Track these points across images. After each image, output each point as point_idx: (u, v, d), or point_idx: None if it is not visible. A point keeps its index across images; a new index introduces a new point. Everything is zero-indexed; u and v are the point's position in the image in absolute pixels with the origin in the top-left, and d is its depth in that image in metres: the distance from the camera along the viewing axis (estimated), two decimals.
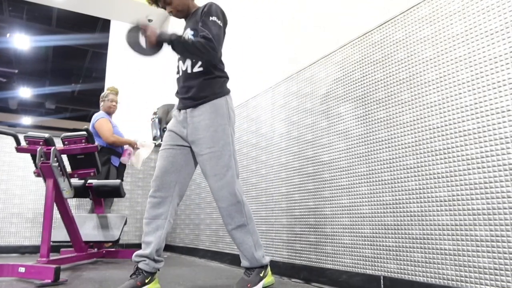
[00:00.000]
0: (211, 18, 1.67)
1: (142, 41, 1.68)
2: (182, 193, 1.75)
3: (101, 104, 3.63)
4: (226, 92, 1.77)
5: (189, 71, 1.75)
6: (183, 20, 1.93)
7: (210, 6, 1.73)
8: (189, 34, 1.76)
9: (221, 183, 1.67)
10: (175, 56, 1.82)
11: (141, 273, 1.61)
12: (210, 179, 1.69)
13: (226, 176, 1.67)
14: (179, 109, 1.79)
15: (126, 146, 3.54)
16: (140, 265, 1.62)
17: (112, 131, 3.46)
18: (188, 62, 1.76)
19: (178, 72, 1.81)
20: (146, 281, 1.61)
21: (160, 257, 1.67)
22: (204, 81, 1.72)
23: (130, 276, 1.62)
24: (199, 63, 1.73)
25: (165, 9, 1.87)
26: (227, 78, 1.81)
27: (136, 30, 1.68)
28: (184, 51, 1.65)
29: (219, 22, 1.68)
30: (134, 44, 1.65)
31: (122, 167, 3.59)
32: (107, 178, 3.37)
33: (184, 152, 1.76)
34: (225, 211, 1.68)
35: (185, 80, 1.76)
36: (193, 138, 1.71)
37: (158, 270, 1.68)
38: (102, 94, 3.67)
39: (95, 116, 3.51)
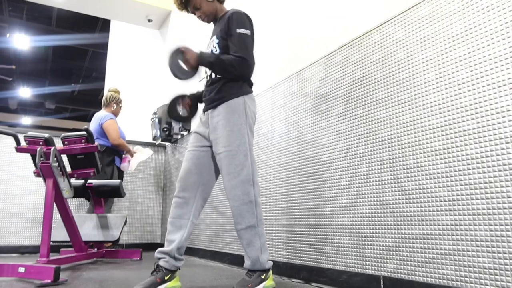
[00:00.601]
0: (238, 31, 1.72)
1: (182, 64, 1.82)
2: (207, 195, 1.80)
3: (113, 107, 3.63)
4: (245, 92, 1.79)
5: (213, 76, 1.81)
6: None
7: (234, 16, 1.76)
8: (214, 42, 1.81)
9: (234, 182, 1.69)
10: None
11: (161, 270, 1.66)
12: (224, 178, 1.72)
13: (240, 175, 1.69)
14: (203, 111, 1.87)
15: (125, 154, 3.57)
16: (161, 263, 1.67)
17: (119, 133, 3.49)
18: None
19: (206, 77, 1.88)
20: (166, 278, 1.65)
21: (181, 256, 1.71)
22: (225, 83, 1.77)
23: (151, 273, 1.66)
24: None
25: (194, 14, 1.92)
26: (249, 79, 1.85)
27: (176, 54, 1.80)
28: (223, 71, 1.74)
29: (247, 32, 1.74)
30: (175, 68, 1.75)
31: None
32: (112, 178, 3.39)
33: (208, 154, 1.81)
34: (236, 210, 1.70)
35: (210, 84, 1.83)
36: (212, 137, 1.77)
37: (179, 268, 1.72)
38: (116, 97, 3.66)
39: (104, 116, 3.50)
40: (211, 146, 1.80)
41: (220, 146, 1.72)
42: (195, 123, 1.90)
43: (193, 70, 1.76)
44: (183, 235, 1.70)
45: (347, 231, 1.84)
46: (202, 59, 1.72)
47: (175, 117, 2.00)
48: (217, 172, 1.83)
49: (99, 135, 3.43)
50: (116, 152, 3.49)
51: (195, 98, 2.01)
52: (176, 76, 1.77)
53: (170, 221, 1.74)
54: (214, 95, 1.78)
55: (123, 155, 3.56)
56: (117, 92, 3.77)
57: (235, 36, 1.72)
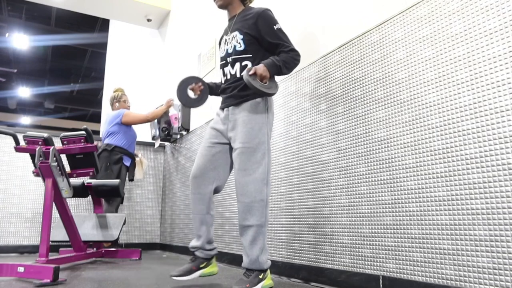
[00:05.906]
0: (275, 27, 1.80)
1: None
2: (220, 189, 1.88)
3: (116, 105, 3.72)
4: None
5: (238, 75, 1.83)
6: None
7: (266, 15, 1.81)
8: (238, 38, 1.83)
9: (249, 178, 1.71)
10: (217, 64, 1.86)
11: (198, 259, 1.83)
12: (238, 173, 1.73)
13: (256, 173, 1.71)
14: (222, 108, 1.89)
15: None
16: (196, 253, 1.84)
17: (140, 114, 3.66)
18: (237, 67, 1.84)
19: (225, 75, 1.91)
20: (201, 266, 1.83)
21: (212, 245, 1.86)
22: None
23: (190, 260, 1.84)
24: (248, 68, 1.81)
25: None
26: None
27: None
28: (289, 70, 1.79)
29: (281, 27, 1.82)
30: (260, 88, 1.71)
31: (132, 167, 3.64)
32: (118, 177, 3.40)
33: (223, 150, 1.85)
34: (246, 207, 1.71)
35: (232, 82, 1.85)
36: (232, 134, 1.80)
37: (214, 256, 1.89)
38: (115, 96, 3.75)
39: (117, 113, 3.58)
40: (227, 143, 1.84)
41: (239, 142, 1.74)
42: (213, 120, 1.91)
43: (273, 81, 1.77)
44: (208, 228, 1.83)
45: (346, 231, 1.84)
46: (272, 68, 1.72)
47: (182, 98, 1.95)
48: (231, 168, 1.88)
49: (111, 133, 3.52)
50: (124, 150, 3.53)
51: (208, 85, 2.02)
52: (266, 93, 1.72)
53: (193, 216, 1.85)
54: (238, 93, 1.81)
55: (169, 114, 3.77)
56: (118, 91, 3.82)
57: (276, 33, 1.79)
